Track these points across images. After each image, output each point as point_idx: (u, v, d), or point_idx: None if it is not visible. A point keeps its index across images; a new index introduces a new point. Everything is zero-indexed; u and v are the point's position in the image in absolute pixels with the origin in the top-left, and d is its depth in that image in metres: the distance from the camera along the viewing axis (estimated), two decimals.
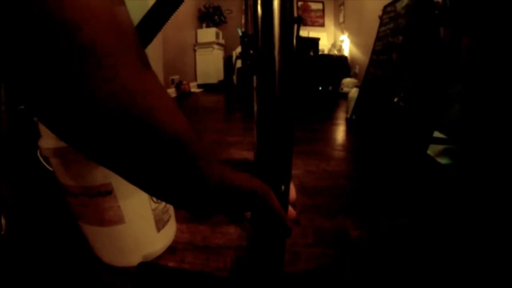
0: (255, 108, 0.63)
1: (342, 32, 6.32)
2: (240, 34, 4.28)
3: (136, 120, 0.24)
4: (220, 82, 5.50)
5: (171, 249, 1.17)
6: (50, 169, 0.97)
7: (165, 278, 0.99)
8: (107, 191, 0.91)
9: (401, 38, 2.56)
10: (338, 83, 4.87)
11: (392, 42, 2.72)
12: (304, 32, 5.09)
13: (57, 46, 0.19)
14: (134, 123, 0.24)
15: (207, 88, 5.50)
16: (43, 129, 0.92)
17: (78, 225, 1.03)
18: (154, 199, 1.03)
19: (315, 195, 1.64)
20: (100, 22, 0.20)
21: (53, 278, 1.01)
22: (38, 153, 1.10)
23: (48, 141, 0.88)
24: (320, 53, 4.95)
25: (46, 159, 0.97)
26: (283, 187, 0.70)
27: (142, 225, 1.03)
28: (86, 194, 0.91)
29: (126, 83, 0.23)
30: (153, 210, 1.04)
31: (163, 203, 1.10)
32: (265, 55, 0.57)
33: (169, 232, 1.19)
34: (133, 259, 1.05)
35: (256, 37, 0.57)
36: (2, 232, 1.13)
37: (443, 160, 1.89)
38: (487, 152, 1.41)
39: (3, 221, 1.14)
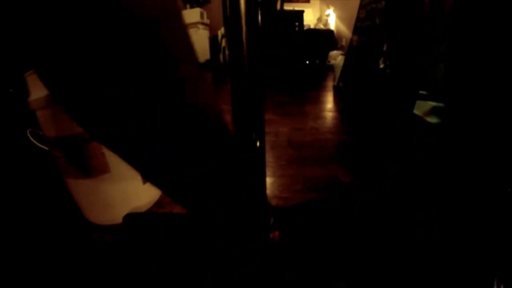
0: (229, 73, 0.65)
1: (328, 7, 6.27)
2: None
3: None
4: (206, 61, 5.45)
5: (158, 203, 1.17)
6: (39, 145, 0.97)
7: (153, 224, 0.98)
8: None
9: (383, 2, 2.55)
10: (325, 56, 4.86)
11: (375, 8, 2.72)
12: (289, 8, 5.04)
13: None
14: None
15: None
16: (31, 85, 0.91)
17: (65, 185, 1.03)
18: None
19: (304, 148, 1.65)
20: None
21: (41, 244, 1.00)
22: (28, 133, 1.10)
23: (35, 94, 0.89)
24: (306, 28, 4.92)
25: (37, 137, 0.97)
26: (258, 143, 0.71)
27: (127, 175, 1.02)
28: (72, 144, 0.91)
29: None
30: None
31: None
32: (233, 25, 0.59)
33: None
34: (120, 215, 1.04)
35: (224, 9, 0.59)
36: None
37: (432, 119, 1.89)
38: (471, 108, 1.42)
39: None
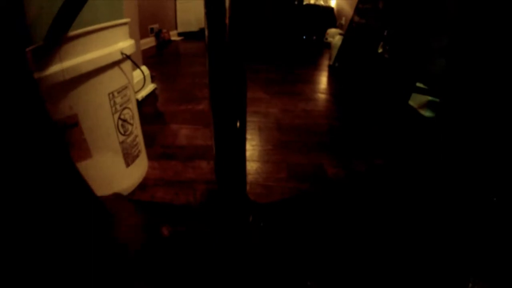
0: (207, 52, 0.59)
1: None
2: None
3: None
4: (201, 29, 5.32)
5: (141, 186, 1.16)
6: None
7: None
8: (73, 124, 0.88)
9: None
10: (323, 33, 4.76)
11: None
12: None
13: None
14: None
15: (187, 36, 5.29)
16: None
17: None
18: (122, 131, 1.00)
19: (291, 132, 1.64)
20: None
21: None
22: None
23: None
24: (305, 2, 4.80)
25: None
26: (238, 123, 0.68)
27: (109, 159, 1.00)
28: None
29: None
30: (121, 143, 1.01)
31: (132, 136, 1.07)
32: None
33: (140, 168, 1.17)
34: None
35: None
36: None
37: (426, 113, 1.88)
38: (469, 106, 1.40)
39: None
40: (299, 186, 1.18)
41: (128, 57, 0.94)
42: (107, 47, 0.87)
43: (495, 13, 1.23)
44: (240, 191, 0.76)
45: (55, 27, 0.70)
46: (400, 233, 0.92)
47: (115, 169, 1.03)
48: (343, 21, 4.92)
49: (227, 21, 0.54)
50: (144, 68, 2.04)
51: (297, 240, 0.84)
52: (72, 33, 0.76)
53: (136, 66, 1.01)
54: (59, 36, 0.73)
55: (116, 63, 0.91)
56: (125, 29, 0.98)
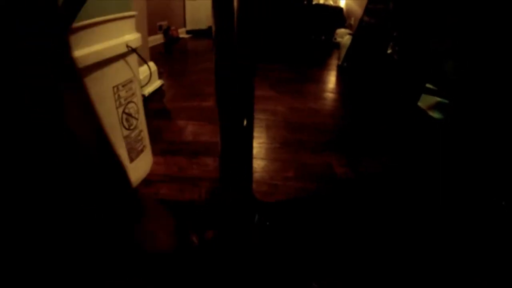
0: (214, 48, 0.57)
1: None
2: None
3: None
4: (209, 28, 5.30)
5: (146, 182, 1.14)
6: None
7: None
8: None
9: None
10: (332, 33, 4.72)
11: None
12: None
13: None
14: None
15: (196, 33, 5.29)
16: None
17: None
18: (126, 125, 0.98)
19: (300, 130, 1.61)
20: None
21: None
22: None
23: None
24: (314, 2, 4.77)
25: None
26: (245, 122, 0.65)
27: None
28: None
29: None
30: (125, 137, 0.99)
31: (136, 131, 1.05)
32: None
33: (144, 163, 1.15)
34: None
35: None
36: None
37: (435, 114, 1.85)
38: (478, 107, 1.37)
39: None
40: (306, 186, 1.15)
41: (133, 50, 0.92)
42: (112, 39, 0.85)
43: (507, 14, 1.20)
44: (246, 191, 0.74)
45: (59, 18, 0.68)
46: (406, 234, 0.90)
47: None
48: (352, 21, 4.89)
49: (235, 15, 0.52)
50: (151, 63, 2.03)
51: (303, 240, 0.82)
52: (77, 24, 0.73)
53: (141, 59, 0.99)
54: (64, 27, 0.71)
55: (121, 56, 0.89)
56: (131, 22, 0.96)
